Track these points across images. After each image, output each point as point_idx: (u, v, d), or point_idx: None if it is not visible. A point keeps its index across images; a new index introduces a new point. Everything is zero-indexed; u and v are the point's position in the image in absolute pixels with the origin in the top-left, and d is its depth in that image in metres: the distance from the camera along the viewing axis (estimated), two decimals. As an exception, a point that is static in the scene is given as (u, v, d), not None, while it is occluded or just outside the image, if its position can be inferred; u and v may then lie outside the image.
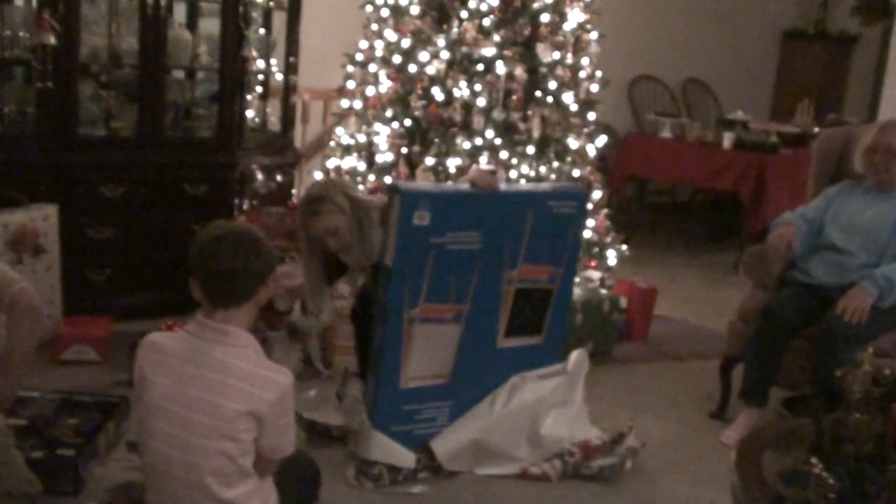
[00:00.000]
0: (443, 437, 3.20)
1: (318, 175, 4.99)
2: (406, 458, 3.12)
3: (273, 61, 5.04)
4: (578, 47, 4.67)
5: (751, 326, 3.71)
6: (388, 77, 4.61)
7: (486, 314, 3.21)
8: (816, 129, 6.75)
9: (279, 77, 5.09)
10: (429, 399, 3.18)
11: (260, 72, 4.98)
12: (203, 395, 2.25)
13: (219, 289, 2.30)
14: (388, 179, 4.38)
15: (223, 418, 2.24)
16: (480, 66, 4.39)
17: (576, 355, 3.46)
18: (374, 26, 4.72)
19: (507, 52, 4.40)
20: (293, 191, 5.23)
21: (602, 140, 4.86)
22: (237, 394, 2.24)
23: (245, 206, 4.68)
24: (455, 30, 4.44)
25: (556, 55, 4.52)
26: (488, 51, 4.36)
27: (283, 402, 2.31)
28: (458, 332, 3.16)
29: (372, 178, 4.50)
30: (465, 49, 4.40)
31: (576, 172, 4.67)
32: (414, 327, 3.08)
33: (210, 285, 2.30)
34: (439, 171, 4.32)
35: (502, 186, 3.38)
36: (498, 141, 4.34)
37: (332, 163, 4.88)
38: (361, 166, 4.58)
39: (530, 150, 4.41)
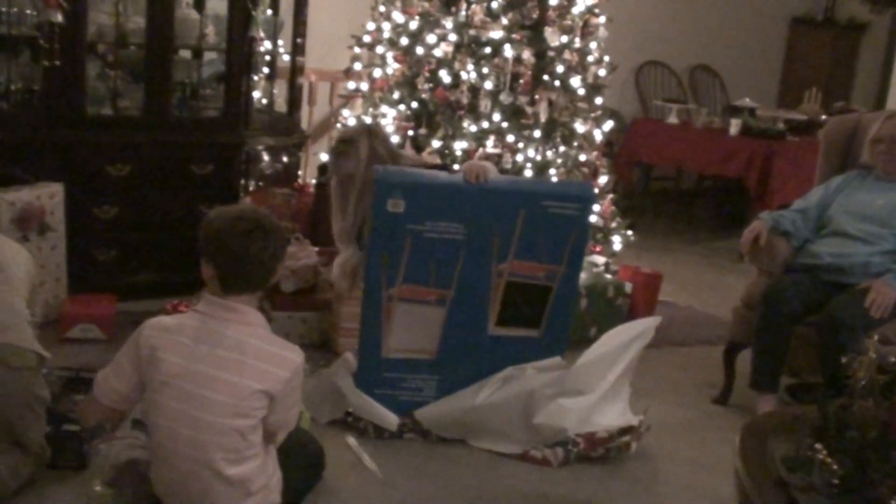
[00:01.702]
0: (428, 409, 3.25)
1: (325, 157, 4.99)
2: (389, 420, 3.19)
3: (280, 42, 5.02)
4: (586, 31, 4.66)
5: (755, 313, 3.71)
6: (396, 59, 4.60)
7: (474, 301, 3.22)
8: (824, 117, 6.74)
9: (286, 58, 5.07)
10: (414, 370, 3.24)
11: (267, 53, 4.96)
12: (219, 373, 2.28)
13: (239, 276, 2.33)
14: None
15: (239, 396, 2.27)
16: (488, 49, 4.38)
17: (618, 338, 3.35)
18: (382, 8, 4.71)
19: (514, 36, 4.39)
20: (299, 172, 5.23)
21: (609, 125, 4.85)
22: (254, 372, 2.28)
23: (251, 187, 4.68)
24: (463, 12, 4.43)
25: (564, 39, 4.51)
26: (496, 34, 4.35)
27: (294, 380, 2.37)
28: (442, 315, 3.20)
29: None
30: (472, 32, 4.39)
31: (582, 157, 4.67)
32: (394, 304, 3.15)
33: (232, 273, 2.32)
34: (446, 154, 4.32)
35: (500, 179, 3.33)
36: (505, 124, 4.34)
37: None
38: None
39: (537, 133, 4.41)
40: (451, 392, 3.26)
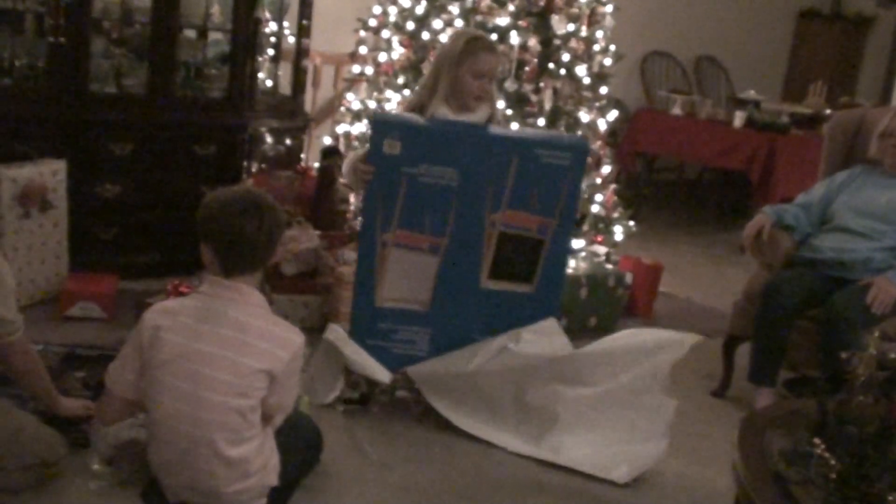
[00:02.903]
0: (421, 366, 3.26)
1: (328, 140, 4.98)
2: (381, 374, 3.21)
3: (286, 24, 5.00)
4: (593, 20, 4.64)
5: (755, 306, 3.71)
6: (401, 44, 4.58)
7: (467, 252, 3.22)
8: (829, 111, 6.73)
9: (291, 40, 5.06)
10: (406, 322, 3.25)
11: (272, 34, 4.95)
12: (221, 352, 2.29)
13: (237, 258, 2.34)
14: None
15: (241, 375, 2.29)
16: (494, 36, 4.35)
17: (637, 338, 3.23)
18: (389, -8, 4.69)
19: (521, 23, 4.37)
20: (302, 155, 5.22)
21: (613, 115, 4.84)
22: (256, 352, 2.30)
23: (253, 169, 4.67)
24: (470, -2, 4.41)
25: (571, 27, 4.49)
26: (502, 20, 4.33)
27: (295, 361, 2.39)
28: (435, 264, 3.20)
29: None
30: (479, 18, 4.37)
31: (586, 146, 4.66)
32: (388, 250, 3.16)
33: (229, 254, 2.34)
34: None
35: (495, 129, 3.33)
36: (509, 112, 4.32)
37: (341, 128, 4.87)
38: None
39: (541, 122, 4.40)
40: (445, 348, 3.26)
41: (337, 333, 3.27)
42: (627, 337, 3.25)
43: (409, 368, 3.27)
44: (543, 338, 3.25)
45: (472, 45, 3.23)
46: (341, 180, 4.18)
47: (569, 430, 3.18)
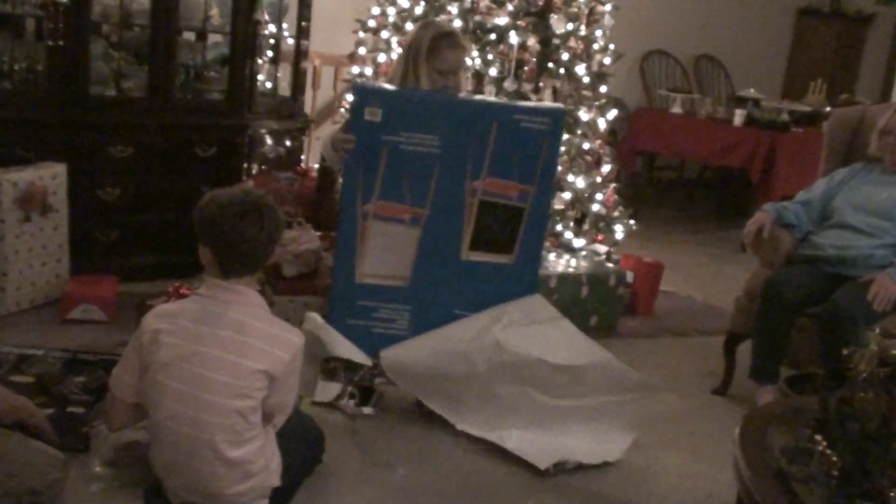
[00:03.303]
0: (395, 349, 3.22)
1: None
2: (361, 357, 3.20)
3: (284, 25, 5.01)
4: (592, 19, 4.65)
5: (756, 304, 3.71)
6: (400, 44, 4.58)
7: (448, 222, 3.21)
8: (828, 109, 6.71)
9: (290, 41, 5.07)
10: (386, 299, 3.23)
11: (271, 36, 4.96)
12: (220, 353, 2.29)
13: (237, 259, 2.35)
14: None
15: (240, 376, 2.29)
16: (493, 36, 4.37)
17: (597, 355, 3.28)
18: (388, -7, 4.69)
19: (520, 22, 4.38)
20: (302, 156, 5.22)
21: (613, 114, 4.84)
22: (255, 353, 2.30)
23: (253, 171, 4.68)
24: (469, -2, 4.42)
25: (570, 26, 4.49)
26: (501, 20, 4.34)
27: (295, 362, 2.39)
28: (416, 236, 3.19)
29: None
30: (477, 18, 4.38)
31: (585, 145, 4.66)
32: (369, 223, 3.15)
33: (229, 256, 2.34)
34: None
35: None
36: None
37: (341, 129, 4.87)
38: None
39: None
40: (425, 326, 3.24)
41: (314, 321, 3.24)
42: (604, 361, 3.26)
43: (382, 352, 3.21)
44: (531, 315, 3.26)
45: (436, 43, 3.26)
46: (319, 159, 4.07)
47: (524, 427, 3.20)
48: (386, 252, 3.20)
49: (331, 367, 3.23)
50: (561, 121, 3.34)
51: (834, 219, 3.73)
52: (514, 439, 3.17)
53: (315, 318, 3.26)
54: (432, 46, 3.25)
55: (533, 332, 3.25)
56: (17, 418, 2.37)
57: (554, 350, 3.23)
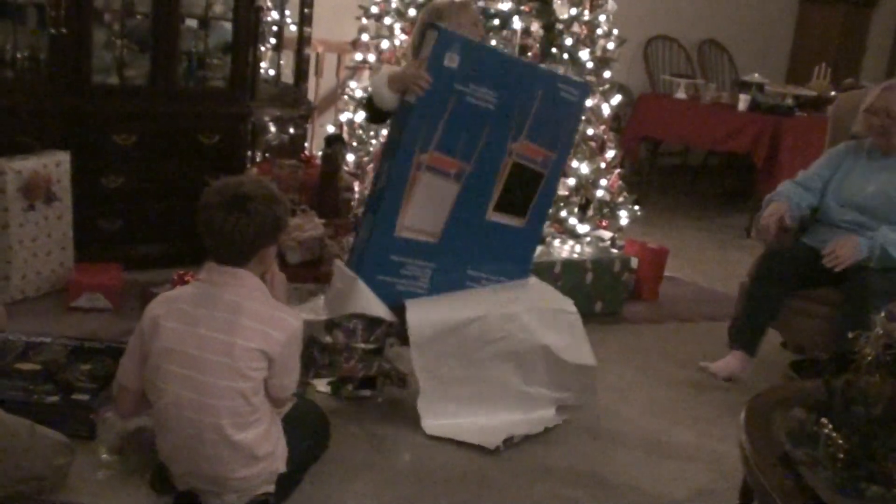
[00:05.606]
0: (420, 307, 3.17)
1: (331, 129, 4.98)
2: (386, 311, 3.13)
3: (287, 12, 5.00)
4: (595, 4, 4.63)
5: (751, 271, 3.73)
6: (403, 30, 4.57)
7: (484, 180, 3.21)
8: (833, 93, 6.70)
9: (293, 28, 5.06)
10: (416, 255, 3.19)
11: (274, 23, 4.95)
12: (216, 335, 2.31)
13: (224, 250, 2.37)
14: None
15: (235, 356, 2.30)
16: (496, 21, 4.35)
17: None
18: (390, -22, 4.67)
19: (523, 7, 4.36)
20: (305, 143, 5.22)
21: (616, 99, 4.83)
22: (248, 332, 2.32)
23: (257, 158, 4.67)
24: (472, -17, 4.39)
25: (573, 11, 4.48)
26: (504, 5, 4.33)
27: (292, 343, 2.40)
28: (455, 192, 3.17)
29: (384, 132, 4.48)
30: (481, 3, 4.35)
31: (589, 131, 4.65)
32: (421, 173, 3.10)
33: (212, 245, 2.37)
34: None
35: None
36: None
37: (344, 116, 4.87)
38: (374, 120, 4.55)
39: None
40: (441, 286, 3.23)
41: (342, 272, 3.17)
42: (586, 368, 3.32)
43: (407, 302, 3.15)
44: (554, 302, 3.34)
45: (451, 9, 3.22)
46: (368, 89, 3.87)
47: (488, 412, 3.22)
48: (428, 206, 3.15)
49: (350, 325, 3.11)
50: (587, 93, 3.49)
51: (822, 215, 3.72)
52: (460, 420, 3.18)
53: (343, 268, 3.19)
54: (449, 13, 3.21)
55: (550, 318, 3.29)
56: None
57: (560, 343, 3.27)
